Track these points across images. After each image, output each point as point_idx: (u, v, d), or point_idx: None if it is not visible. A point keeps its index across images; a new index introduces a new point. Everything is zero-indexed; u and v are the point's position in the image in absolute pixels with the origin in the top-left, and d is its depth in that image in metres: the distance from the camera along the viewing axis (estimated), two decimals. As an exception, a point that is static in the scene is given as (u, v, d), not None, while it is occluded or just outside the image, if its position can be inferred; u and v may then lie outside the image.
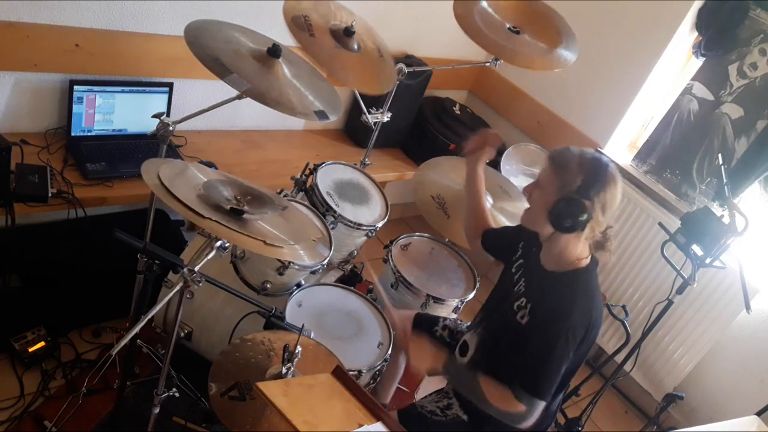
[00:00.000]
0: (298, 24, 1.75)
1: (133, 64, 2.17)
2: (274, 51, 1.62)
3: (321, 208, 2.03)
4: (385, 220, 2.14)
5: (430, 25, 2.92)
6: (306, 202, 2.05)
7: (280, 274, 1.79)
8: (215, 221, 1.24)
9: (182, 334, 1.88)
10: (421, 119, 3.09)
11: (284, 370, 1.34)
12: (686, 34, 2.71)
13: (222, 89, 1.50)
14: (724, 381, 2.66)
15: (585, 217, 1.44)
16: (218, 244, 1.36)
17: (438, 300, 2.03)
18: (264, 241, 1.29)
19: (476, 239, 1.90)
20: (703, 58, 2.66)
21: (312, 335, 1.60)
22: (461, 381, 1.59)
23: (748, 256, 2.30)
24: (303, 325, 1.45)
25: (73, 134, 2.12)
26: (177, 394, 1.59)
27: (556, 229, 1.48)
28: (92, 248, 2.05)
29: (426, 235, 2.30)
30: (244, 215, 1.34)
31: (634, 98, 2.82)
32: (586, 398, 2.49)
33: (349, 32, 1.86)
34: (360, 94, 2.18)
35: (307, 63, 1.79)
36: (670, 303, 2.25)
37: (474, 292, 2.13)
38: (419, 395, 2.36)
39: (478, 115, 3.35)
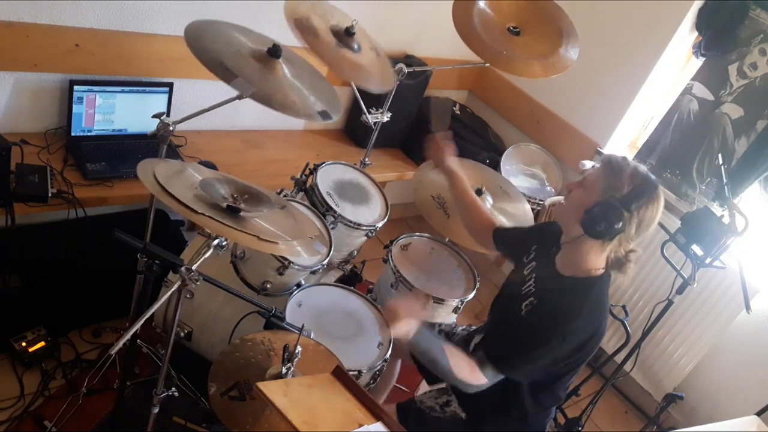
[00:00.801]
0: (301, 26, 1.75)
1: (133, 64, 2.17)
2: (275, 51, 1.62)
3: (321, 208, 2.03)
4: (385, 220, 2.14)
5: (430, 25, 2.92)
6: (306, 202, 2.05)
7: (280, 274, 1.79)
8: (208, 216, 1.23)
9: (182, 334, 1.88)
10: (421, 119, 3.09)
11: (284, 370, 1.34)
12: (686, 34, 2.71)
13: (222, 89, 1.50)
14: (724, 381, 2.66)
15: (619, 226, 1.42)
16: (215, 242, 1.36)
17: (438, 300, 2.03)
18: (258, 237, 1.28)
19: (487, 239, 1.87)
20: (703, 58, 2.66)
21: (312, 335, 1.60)
22: (428, 347, 1.54)
23: (748, 256, 2.30)
24: (303, 325, 1.45)
25: (73, 134, 2.12)
26: (177, 394, 1.59)
27: (585, 232, 1.46)
28: (92, 248, 2.05)
29: (426, 235, 2.30)
30: (241, 213, 1.34)
31: (634, 98, 2.82)
32: (586, 398, 2.49)
33: (349, 33, 1.86)
34: (360, 94, 2.18)
35: (307, 63, 1.79)
36: (670, 303, 2.25)
37: (474, 292, 2.13)
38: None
39: (478, 115, 3.35)
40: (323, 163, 2.18)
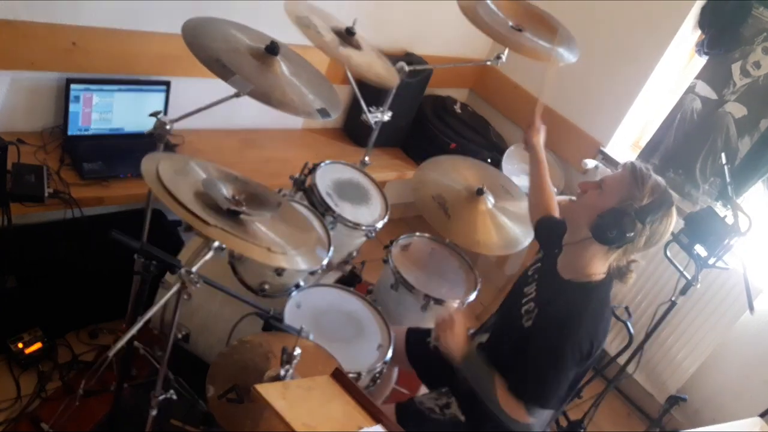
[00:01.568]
0: (304, 23, 1.74)
1: (130, 63, 2.16)
2: (273, 48, 1.61)
3: (320, 208, 2.01)
4: (385, 220, 2.13)
5: (430, 23, 2.91)
6: (305, 202, 2.03)
7: (279, 275, 1.78)
8: (221, 228, 1.22)
9: (180, 336, 1.87)
10: (422, 118, 3.07)
11: (283, 373, 1.32)
12: (689, 32, 2.69)
13: (220, 87, 1.49)
14: (727, 382, 2.65)
15: (630, 236, 1.41)
16: (216, 244, 1.34)
17: (438, 301, 2.01)
18: (269, 249, 1.27)
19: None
20: (706, 57, 2.64)
21: (311, 337, 1.58)
22: (477, 375, 1.55)
23: (751, 256, 2.29)
24: (302, 327, 1.43)
25: (69, 133, 2.11)
26: (175, 397, 1.58)
27: (594, 235, 1.44)
28: (89, 248, 2.03)
29: (426, 235, 2.28)
30: (241, 216, 1.32)
31: (636, 97, 2.81)
32: (589, 400, 2.48)
33: (350, 32, 1.85)
34: (360, 93, 2.16)
35: (305, 60, 1.78)
36: (673, 304, 2.24)
37: (475, 293, 2.11)
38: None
39: (480, 114, 3.34)
40: (322, 162, 2.17)
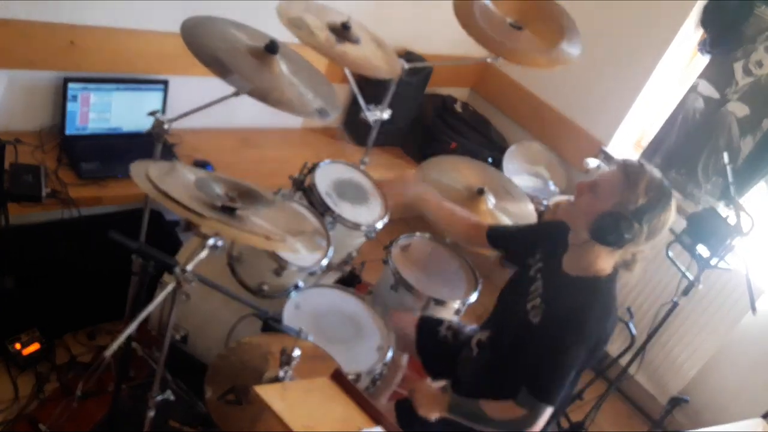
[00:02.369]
0: (296, 25, 1.73)
1: (128, 62, 2.15)
2: (272, 47, 1.60)
3: (319, 208, 2.00)
4: (385, 220, 2.11)
5: (430, 21, 2.89)
6: (304, 202, 2.02)
7: (278, 275, 1.76)
8: (217, 220, 1.22)
9: (178, 337, 1.86)
10: (422, 117, 3.06)
11: (282, 374, 1.31)
12: (691, 31, 2.68)
13: (218, 87, 1.48)
14: (729, 384, 2.64)
15: (629, 237, 1.40)
16: (211, 242, 1.33)
17: (439, 302, 2.00)
18: (266, 236, 1.26)
19: (481, 240, 1.86)
20: (708, 56, 2.63)
21: (310, 338, 1.58)
22: (466, 413, 1.57)
23: (754, 256, 2.28)
24: (301, 328, 1.42)
25: (67, 133, 2.10)
26: (173, 398, 1.57)
27: (593, 236, 1.44)
28: (87, 249, 2.02)
29: (426, 235, 2.27)
30: (237, 211, 1.32)
31: (638, 96, 2.80)
32: (590, 402, 2.46)
33: (346, 27, 1.84)
34: (359, 91, 2.15)
35: (304, 59, 1.77)
36: (675, 305, 2.23)
37: (476, 293, 2.10)
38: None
39: (480, 113, 3.33)
40: (322, 162, 2.15)
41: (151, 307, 1.25)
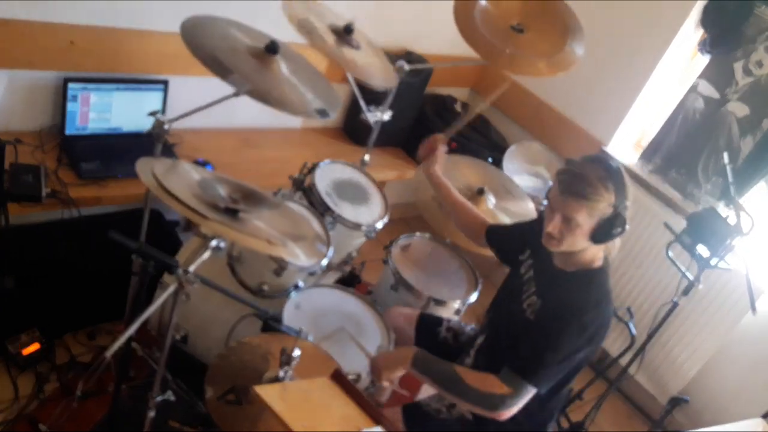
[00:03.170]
0: (306, 28, 1.73)
1: (128, 62, 2.15)
2: (272, 48, 1.59)
3: (319, 208, 2.00)
4: (385, 220, 2.11)
5: (430, 21, 2.90)
6: (304, 202, 2.02)
7: (278, 275, 1.77)
8: (219, 221, 1.22)
9: (178, 337, 1.86)
10: (422, 117, 3.06)
11: (282, 374, 1.32)
12: (691, 31, 2.68)
13: (218, 87, 1.48)
14: (729, 383, 2.64)
15: (625, 224, 1.43)
16: (213, 244, 1.33)
17: (439, 301, 2.00)
18: (268, 241, 1.27)
19: (479, 237, 1.87)
20: (709, 56, 2.63)
21: (310, 338, 1.58)
22: (434, 370, 1.52)
23: (754, 256, 2.28)
24: (301, 328, 1.42)
25: (67, 133, 2.10)
26: (173, 398, 1.57)
27: (598, 244, 1.46)
28: (87, 249, 2.02)
29: (426, 235, 2.27)
30: (240, 214, 1.32)
31: (638, 96, 2.80)
32: (590, 402, 2.47)
33: (348, 30, 1.84)
34: (359, 92, 2.15)
35: (305, 60, 1.77)
36: (675, 305, 2.23)
37: (476, 293, 2.10)
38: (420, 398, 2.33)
39: (480, 113, 3.32)
40: (322, 162, 2.15)
41: (152, 310, 1.25)
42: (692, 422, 2.73)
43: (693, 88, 2.68)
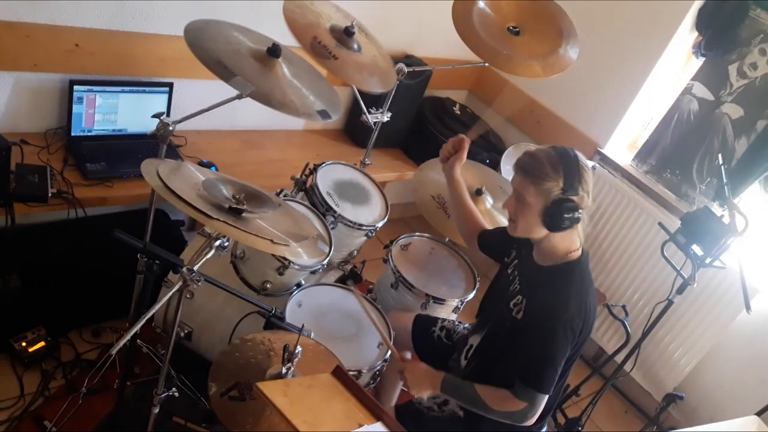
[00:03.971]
0: (317, 50, 1.75)
1: (133, 64, 2.17)
2: (274, 50, 1.62)
3: (321, 208, 2.03)
4: (385, 220, 2.14)
5: (430, 25, 2.92)
6: (306, 202, 2.05)
7: (280, 274, 1.79)
8: (223, 221, 1.24)
9: (182, 334, 1.88)
10: (421, 119, 3.09)
11: (284, 370, 1.34)
12: (686, 34, 2.70)
13: (222, 89, 1.51)
14: (724, 381, 2.66)
15: (579, 211, 1.45)
16: (217, 243, 1.36)
17: (438, 300, 2.03)
18: (272, 240, 1.29)
19: (473, 241, 1.91)
20: (703, 58, 2.66)
21: (312, 335, 1.60)
22: (460, 394, 1.59)
23: (748, 256, 2.29)
24: (303, 325, 1.45)
25: (73, 134, 2.12)
26: (177, 394, 1.59)
27: (554, 231, 1.49)
28: (92, 248, 2.04)
29: (426, 235, 2.30)
30: (244, 214, 1.34)
31: (634, 98, 2.82)
32: (586, 398, 2.49)
33: (348, 33, 1.86)
34: (360, 94, 2.18)
35: (306, 62, 1.79)
36: (670, 303, 2.24)
37: (474, 292, 2.13)
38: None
39: (478, 115, 3.35)
40: (323, 163, 2.18)
41: (157, 307, 1.27)
42: (687, 419, 2.75)
43: (687, 90, 2.71)
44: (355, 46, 1.87)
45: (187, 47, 1.49)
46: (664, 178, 2.79)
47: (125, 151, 2.18)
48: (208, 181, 1.40)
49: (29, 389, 1.93)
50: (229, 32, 1.66)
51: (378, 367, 1.74)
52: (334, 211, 2.01)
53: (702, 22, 2.63)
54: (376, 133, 2.35)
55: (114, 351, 1.21)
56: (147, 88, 2.22)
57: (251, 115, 2.66)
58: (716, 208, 2.33)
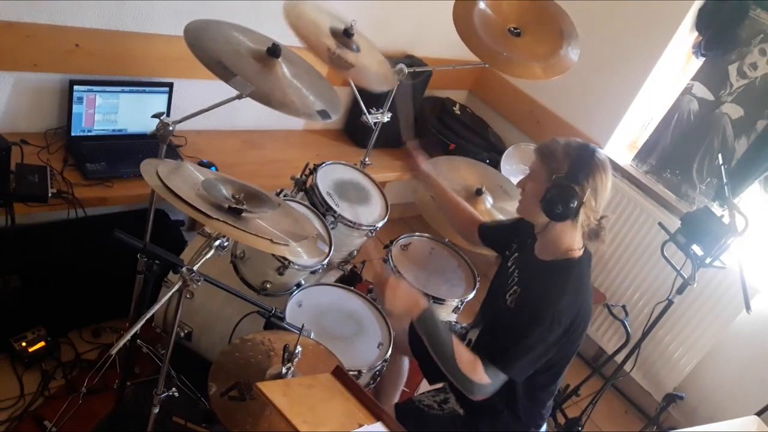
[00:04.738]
0: (336, 62, 1.76)
1: (133, 64, 2.17)
2: (274, 51, 1.62)
3: (321, 208, 2.03)
4: (385, 220, 2.14)
5: (430, 25, 2.92)
6: (306, 202, 2.05)
7: (280, 274, 1.79)
8: (222, 221, 1.24)
9: (182, 334, 1.88)
10: (422, 119, 3.09)
11: (284, 370, 1.34)
12: (686, 34, 2.71)
13: (222, 89, 1.51)
14: (724, 381, 2.66)
15: (576, 202, 1.44)
16: (217, 243, 1.36)
17: (438, 300, 2.03)
18: (271, 240, 1.29)
19: (473, 236, 1.90)
20: (703, 58, 2.66)
21: (312, 335, 1.60)
22: (435, 333, 1.52)
23: (748, 256, 2.30)
24: (303, 325, 1.45)
25: (73, 134, 2.12)
26: (177, 394, 1.59)
27: (549, 217, 1.48)
28: (92, 248, 2.04)
29: (426, 235, 2.30)
30: (243, 213, 1.34)
31: (634, 98, 2.82)
32: (586, 398, 2.49)
33: (348, 33, 1.87)
34: (360, 94, 2.18)
35: (306, 62, 1.80)
36: (670, 303, 2.25)
37: (474, 292, 2.13)
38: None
39: (478, 115, 3.35)
40: (323, 163, 2.18)
41: (157, 307, 1.28)
42: (687, 419, 2.75)
43: (687, 90, 2.71)
44: (355, 47, 1.88)
45: (187, 47, 1.49)
46: (664, 178, 2.80)
47: (125, 151, 2.18)
48: (208, 181, 1.40)
49: (29, 389, 1.93)
50: (229, 32, 1.66)
51: (378, 367, 1.74)
52: (334, 211, 2.01)
53: (702, 22, 2.63)
54: (377, 133, 2.35)
55: (114, 351, 1.21)
56: (147, 88, 2.22)
57: (251, 115, 2.66)
58: (716, 208, 2.33)
